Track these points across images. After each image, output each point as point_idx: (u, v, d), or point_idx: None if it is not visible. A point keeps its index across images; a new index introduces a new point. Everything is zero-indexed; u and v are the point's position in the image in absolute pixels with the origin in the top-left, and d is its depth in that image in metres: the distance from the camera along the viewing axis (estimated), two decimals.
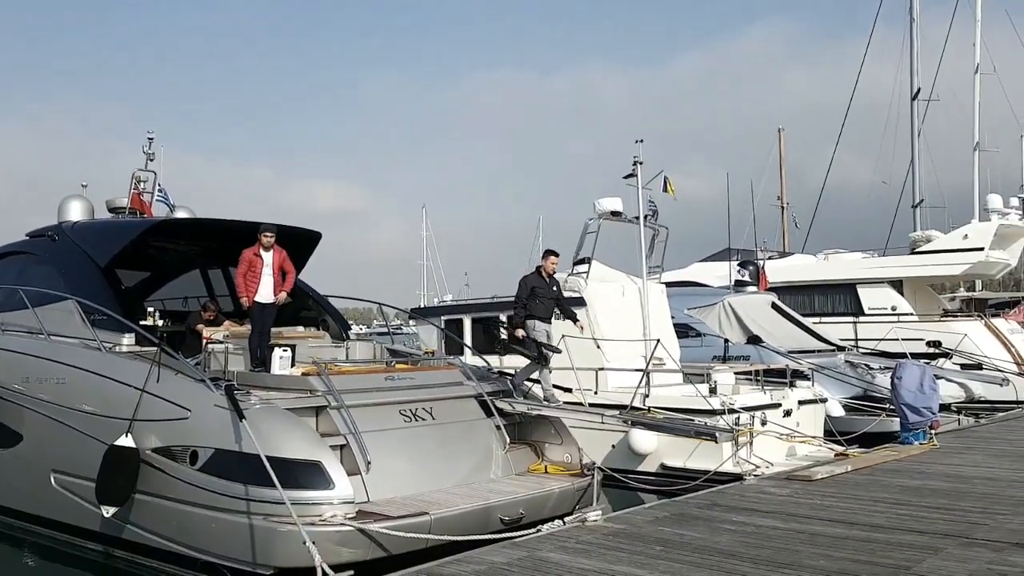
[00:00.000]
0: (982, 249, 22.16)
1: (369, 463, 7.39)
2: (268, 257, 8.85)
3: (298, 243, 10.56)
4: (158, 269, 11.49)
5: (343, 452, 7.46)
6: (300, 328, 10.67)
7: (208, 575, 7.11)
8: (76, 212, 11.54)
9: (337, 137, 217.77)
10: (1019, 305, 29.89)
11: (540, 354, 10.35)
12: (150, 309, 9.88)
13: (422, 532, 6.65)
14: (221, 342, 9.17)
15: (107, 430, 7.80)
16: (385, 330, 19.77)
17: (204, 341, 9.33)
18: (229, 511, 6.87)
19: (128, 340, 9.05)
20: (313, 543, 5.97)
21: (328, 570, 5.76)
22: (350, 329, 11.94)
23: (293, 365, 8.40)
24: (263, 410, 7.30)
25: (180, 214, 12.41)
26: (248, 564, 6.73)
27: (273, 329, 9.16)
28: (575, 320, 10.99)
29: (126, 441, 7.51)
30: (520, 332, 10.45)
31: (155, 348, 8.08)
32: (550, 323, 10.65)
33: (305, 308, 11.34)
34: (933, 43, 31.14)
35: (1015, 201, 24.28)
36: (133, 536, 7.72)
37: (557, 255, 11.07)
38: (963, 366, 18.46)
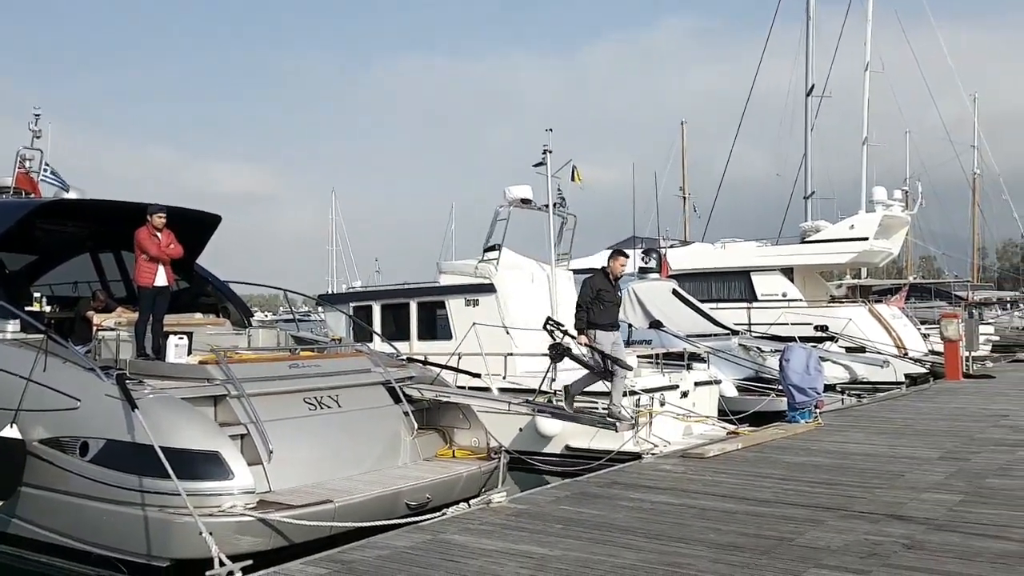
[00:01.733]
0: (867, 239, 23.45)
1: (271, 452, 7.29)
2: (160, 239, 8.61)
3: (197, 227, 10.27)
4: (45, 252, 10.96)
5: (244, 442, 7.33)
6: (198, 315, 10.39)
7: (102, 569, 6.91)
8: None
9: (244, 118, 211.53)
10: (900, 291, 31.75)
11: (606, 368, 9.48)
12: (37, 295, 9.45)
13: (325, 520, 6.62)
14: (112, 329, 8.85)
15: None
16: (291, 317, 19.39)
17: (94, 328, 9.00)
18: (123, 503, 6.68)
19: (13, 327, 8.61)
20: (210, 534, 5.88)
21: (225, 560, 5.69)
22: (252, 316, 11.70)
23: (190, 353, 8.20)
24: (157, 400, 7.10)
25: (70, 195, 11.86)
26: (143, 557, 6.57)
27: (169, 316, 8.91)
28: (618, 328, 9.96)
29: (11, 432, 7.19)
30: (584, 339, 9.44)
31: (42, 335, 7.75)
32: (615, 331, 9.65)
33: (204, 294, 11.04)
34: (828, 41, 32.62)
35: (898, 194, 25.77)
36: (20, 531, 7.39)
37: (627, 256, 9.96)
38: (847, 349, 19.54)
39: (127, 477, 6.69)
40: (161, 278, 8.60)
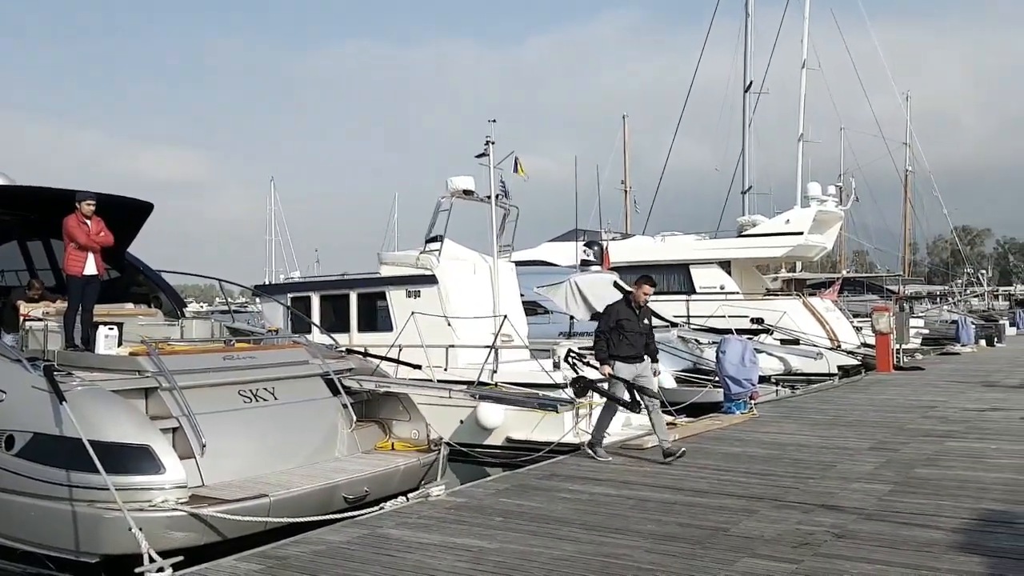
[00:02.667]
0: (802, 233, 24.05)
1: (204, 446, 7.13)
2: (89, 227, 8.34)
3: (127, 214, 9.96)
4: None
5: (175, 435, 7.15)
6: (129, 305, 10.10)
7: (29, 566, 6.68)
8: None
9: (182, 103, 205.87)
10: (834, 285, 32.63)
11: (633, 399, 8.73)
12: None
13: (260, 515, 6.50)
14: (40, 319, 8.54)
15: None
16: (227, 308, 18.97)
17: (21, 318, 8.68)
18: (50, 498, 6.46)
19: None
20: (140, 529, 5.74)
21: (155, 555, 5.55)
22: (186, 306, 11.41)
23: (120, 344, 7.97)
24: (85, 392, 6.88)
25: None
26: (72, 553, 6.37)
27: (99, 306, 8.63)
28: (656, 360, 9.13)
29: None
30: (607, 369, 8.73)
31: None
32: (640, 363, 8.81)
33: (135, 284, 10.75)
34: (766, 38, 33.35)
35: (832, 189, 26.47)
36: None
37: (653, 284, 9.08)
38: (782, 341, 20.00)
39: (54, 471, 6.48)
40: (91, 267, 8.34)
